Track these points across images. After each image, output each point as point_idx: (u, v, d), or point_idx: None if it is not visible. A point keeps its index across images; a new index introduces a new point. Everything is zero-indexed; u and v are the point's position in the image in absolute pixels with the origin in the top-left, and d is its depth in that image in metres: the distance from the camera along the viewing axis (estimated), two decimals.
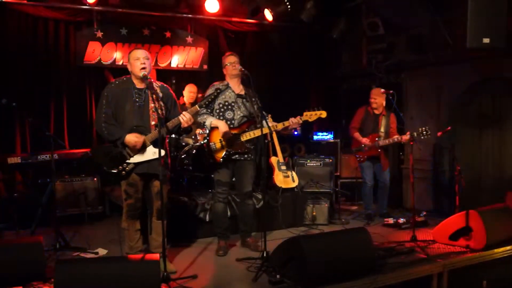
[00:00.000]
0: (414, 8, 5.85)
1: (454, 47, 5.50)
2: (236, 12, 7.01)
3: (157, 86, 3.81)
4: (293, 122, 4.17)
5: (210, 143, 4.17)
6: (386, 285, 3.54)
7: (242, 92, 4.30)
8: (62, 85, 6.19)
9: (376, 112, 5.60)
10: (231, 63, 4.24)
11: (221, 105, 4.23)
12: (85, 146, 5.77)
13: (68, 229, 4.99)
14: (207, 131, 4.24)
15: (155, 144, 3.66)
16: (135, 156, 3.66)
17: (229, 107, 4.23)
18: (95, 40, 6.24)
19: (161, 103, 3.71)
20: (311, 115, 4.17)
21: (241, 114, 4.25)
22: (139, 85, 3.74)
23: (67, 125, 6.22)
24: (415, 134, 4.97)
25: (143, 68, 3.65)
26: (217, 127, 4.13)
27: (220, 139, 4.14)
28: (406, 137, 5.10)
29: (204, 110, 4.21)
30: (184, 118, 3.66)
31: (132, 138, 3.59)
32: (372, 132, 5.56)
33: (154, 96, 3.59)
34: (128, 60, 3.76)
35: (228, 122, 4.18)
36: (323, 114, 4.17)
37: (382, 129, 5.50)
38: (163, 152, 3.54)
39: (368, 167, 5.62)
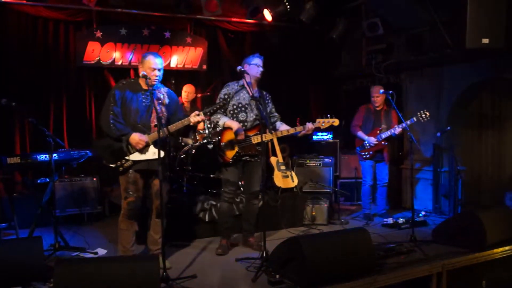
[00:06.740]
0: (414, 8, 5.86)
1: (454, 48, 5.51)
2: (236, 12, 7.01)
3: (164, 92, 3.92)
4: (309, 128, 4.12)
5: (222, 143, 4.18)
6: (386, 285, 3.54)
7: (257, 95, 4.29)
8: (61, 85, 6.19)
9: (377, 108, 5.65)
10: (257, 64, 4.28)
11: (235, 106, 4.25)
12: (85, 146, 5.76)
13: (67, 229, 5.00)
14: (206, 131, 4.23)
15: (156, 144, 3.70)
16: (135, 154, 3.70)
17: (243, 108, 4.25)
18: (94, 40, 6.23)
19: (163, 108, 3.81)
20: (323, 122, 4.14)
21: (254, 117, 4.25)
22: (146, 86, 3.81)
23: (66, 125, 6.21)
24: (415, 119, 5.16)
25: (155, 80, 3.77)
26: (230, 128, 4.15)
27: (231, 140, 4.14)
28: (407, 121, 5.15)
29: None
30: (193, 119, 3.69)
31: (136, 137, 3.65)
32: (373, 127, 5.60)
33: (156, 101, 3.70)
34: (142, 63, 3.80)
35: (241, 124, 4.20)
36: (336, 122, 4.16)
37: (383, 124, 5.56)
38: (163, 153, 3.57)
39: (369, 166, 5.64)
